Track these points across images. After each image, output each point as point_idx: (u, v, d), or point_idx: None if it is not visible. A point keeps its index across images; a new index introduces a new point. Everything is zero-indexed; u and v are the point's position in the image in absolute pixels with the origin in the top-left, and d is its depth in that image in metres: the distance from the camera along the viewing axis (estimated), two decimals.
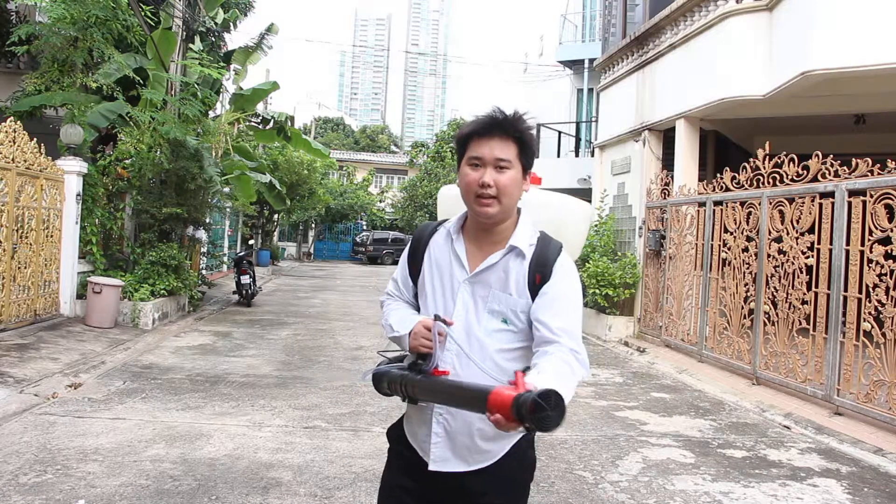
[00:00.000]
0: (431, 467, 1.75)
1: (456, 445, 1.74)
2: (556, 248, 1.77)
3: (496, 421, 1.36)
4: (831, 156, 6.31)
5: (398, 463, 1.88)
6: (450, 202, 2.19)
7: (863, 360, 5.66)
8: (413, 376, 1.66)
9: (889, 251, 5.48)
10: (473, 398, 1.47)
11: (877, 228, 5.60)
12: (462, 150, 1.76)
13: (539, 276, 1.72)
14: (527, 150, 1.73)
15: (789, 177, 6.84)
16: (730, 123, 10.29)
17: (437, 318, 1.67)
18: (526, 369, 1.52)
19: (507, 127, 1.70)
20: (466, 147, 1.74)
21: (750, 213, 7.47)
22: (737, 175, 7.80)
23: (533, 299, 1.72)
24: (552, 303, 1.70)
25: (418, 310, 1.88)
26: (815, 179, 6.48)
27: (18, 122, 7.89)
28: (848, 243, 5.91)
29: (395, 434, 1.92)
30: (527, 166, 1.74)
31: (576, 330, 1.70)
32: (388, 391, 1.75)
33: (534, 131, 1.77)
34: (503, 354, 1.73)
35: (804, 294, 6.49)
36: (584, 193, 14.58)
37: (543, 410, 1.32)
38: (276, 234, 27.92)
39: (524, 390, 1.35)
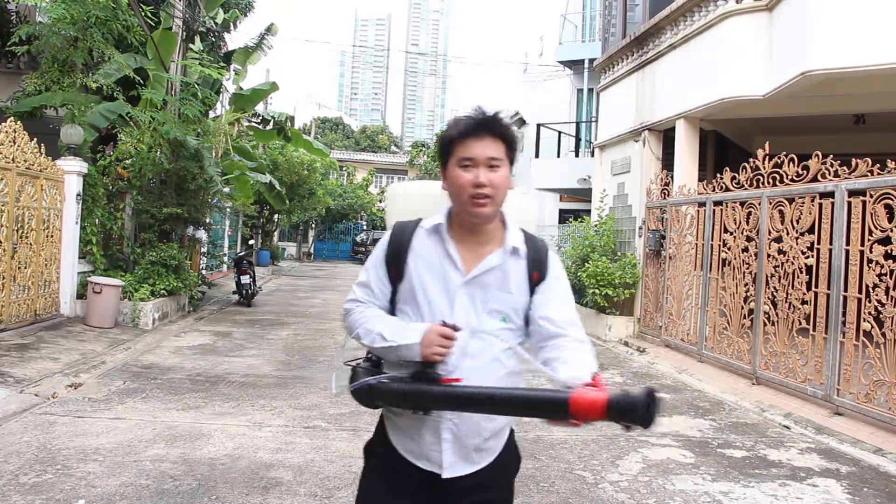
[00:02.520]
0: (445, 475, 1.71)
1: (464, 448, 1.73)
2: (544, 243, 1.84)
3: (574, 424, 1.49)
4: (831, 156, 6.31)
5: (387, 479, 1.78)
6: (399, 201, 2.10)
7: (863, 360, 5.66)
8: (431, 388, 1.62)
9: (889, 251, 5.48)
10: (549, 405, 1.53)
11: (877, 228, 5.60)
12: (448, 152, 1.74)
13: (536, 273, 1.77)
14: (513, 148, 1.75)
15: (789, 177, 6.84)
16: (730, 123, 10.29)
17: (444, 324, 1.65)
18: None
19: (495, 126, 1.71)
20: (453, 148, 1.73)
21: (750, 213, 7.47)
22: (737, 175, 7.80)
23: (531, 295, 1.77)
24: (554, 299, 1.78)
25: (393, 313, 1.82)
26: (815, 179, 6.48)
27: (19, 123, 7.90)
28: (848, 243, 5.91)
29: (381, 448, 1.82)
30: (512, 164, 1.76)
31: (579, 322, 1.78)
32: (380, 405, 1.74)
33: (516, 129, 1.78)
34: (506, 353, 1.75)
35: (804, 294, 6.49)
36: (585, 193, 14.60)
37: (655, 407, 1.43)
38: (276, 234, 27.91)
39: (603, 391, 1.47)
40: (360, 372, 1.74)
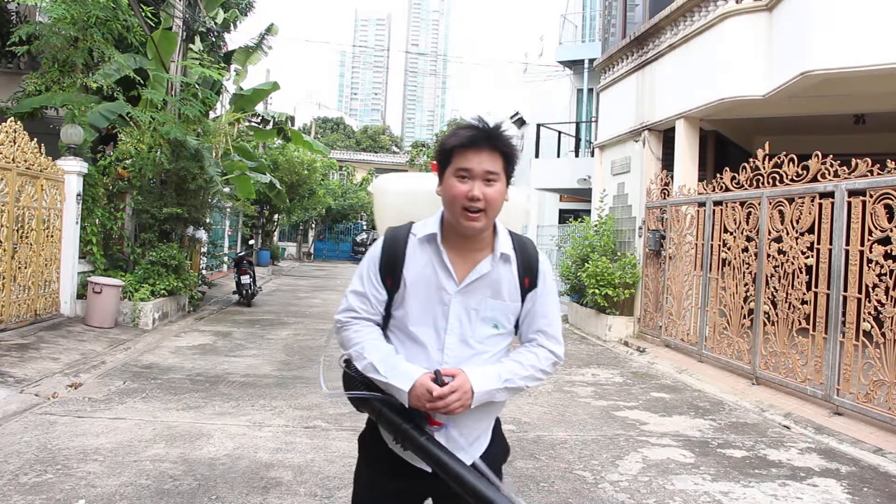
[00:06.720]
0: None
1: (455, 448, 1.75)
2: (533, 247, 1.86)
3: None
4: (831, 156, 6.31)
5: (381, 466, 1.83)
6: (388, 199, 2.07)
7: (862, 360, 5.66)
8: (416, 436, 1.65)
9: (889, 251, 5.48)
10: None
11: (876, 228, 5.60)
12: (447, 160, 1.73)
13: (528, 279, 1.80)
14: (512, 163, 1.74)
15: (789, 177, 6.84)
16: (730, 123, 10.29)
17: (437, 373, 1.66)
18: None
19: (495, 140, 1.70)
20: (451, 157, 1.72)
21: (750, 213, 7.47)
22: (737, 175, 7.80)
23: (522, 301, 1.80)
24: (541, 309, 1.82)
25: (387, 319, 1.84)
26: (814, 179, 6.48)
27: (19, 123, 7.90)
28: (848, 243, 5.91)
29: (373, 440, 1.87)
30: (510, 178, 1.76)
31: (557, 329, 1.85)
32: (370, 416, 1.79)
33: (516, 142, 1.76)
34: (495, 357, 1.79)
35: (804, 294, 6.49)
36: (584, 193, 14.59)
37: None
38: (276, 234, 27.91)
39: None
40: (353, 377, 1.78)
